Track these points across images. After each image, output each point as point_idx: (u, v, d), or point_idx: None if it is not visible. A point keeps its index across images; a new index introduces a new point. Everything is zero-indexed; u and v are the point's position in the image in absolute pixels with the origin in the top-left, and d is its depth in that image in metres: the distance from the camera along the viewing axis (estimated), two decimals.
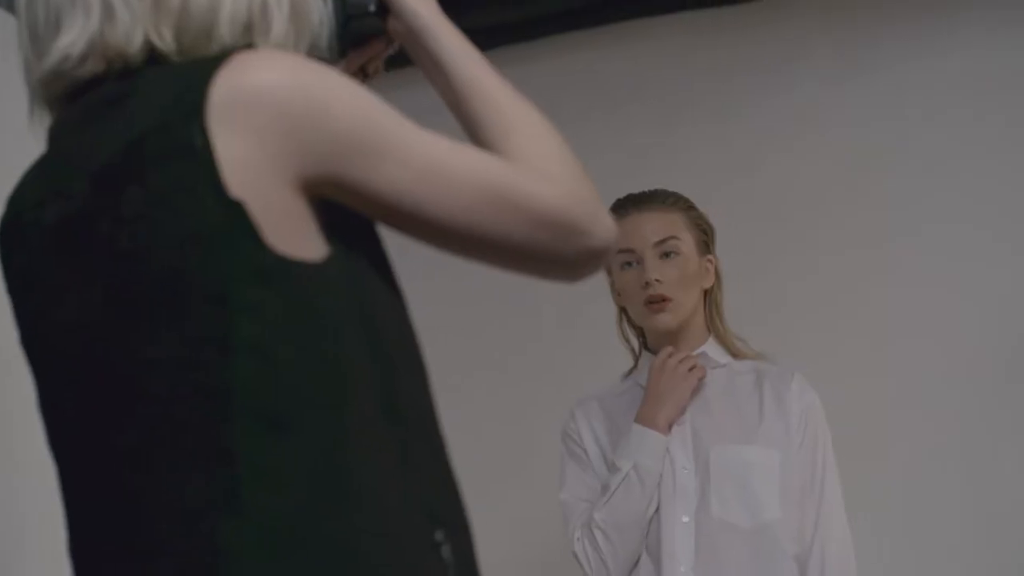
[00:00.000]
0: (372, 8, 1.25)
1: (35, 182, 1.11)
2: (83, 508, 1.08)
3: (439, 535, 1.05)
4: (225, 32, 1.09)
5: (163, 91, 1.03)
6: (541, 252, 1.09)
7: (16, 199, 1.13)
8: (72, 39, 1.08)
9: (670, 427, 2.14)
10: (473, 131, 1.18)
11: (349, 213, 1.06)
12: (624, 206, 2.25)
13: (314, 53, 1.16)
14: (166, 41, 1.08)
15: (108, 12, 1.07)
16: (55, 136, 1.13)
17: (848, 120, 3.20)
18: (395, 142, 1.04)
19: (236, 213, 0.99)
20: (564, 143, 1.16)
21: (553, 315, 3.24)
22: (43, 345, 1.10)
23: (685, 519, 2.10)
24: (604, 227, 1.11)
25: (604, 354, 2.41)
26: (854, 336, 3.09)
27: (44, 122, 1.14)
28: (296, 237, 1.01)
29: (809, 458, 2.16)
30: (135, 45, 1.07)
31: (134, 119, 1.03)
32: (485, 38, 3.38)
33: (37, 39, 1.11)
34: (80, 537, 1.09)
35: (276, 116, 0.99)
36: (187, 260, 0.99)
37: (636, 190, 2.36)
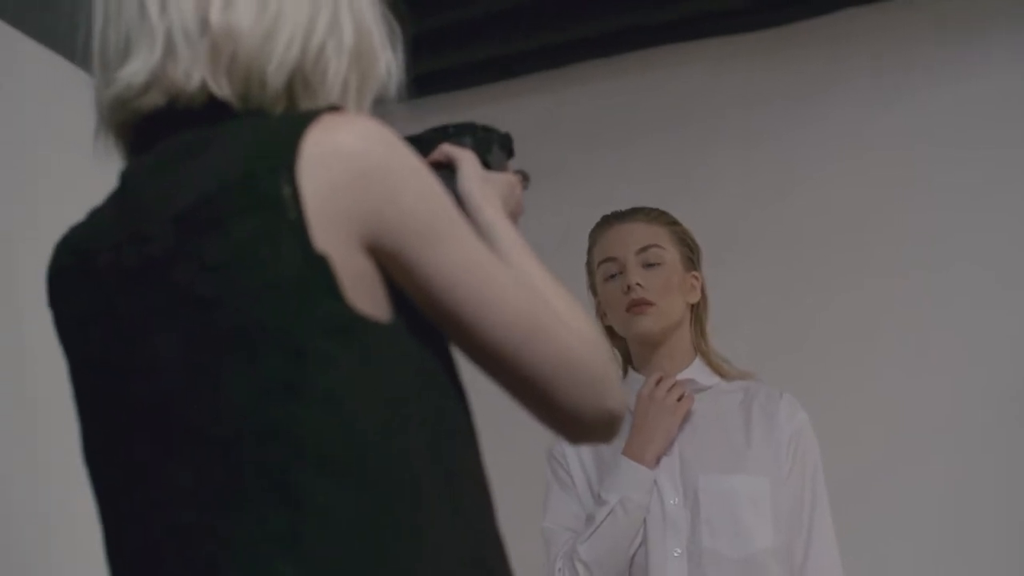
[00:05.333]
0: (507, 156, 1.39)
1: (108, 224, 1.13)
2: (134, 548, 1.09)
3: None
4: (274, 78, 1.11)
5: (247, 142, 1.06)
6: (561, 394, 1.10)
7: (81, 241, 1.15)
8: (136, 69, 1.11)
9: (658, 460, 2.12)
10: None
11: None
12: (608, 220, 2.25)
13: (382, 100, 1.18)
14: (223, 89, 1.10)
15: (170, 48, 1.10)
16: (129, 179, 1.14)
17: (880, 145, 3.22)
18: (456, 237, 1.07)
19: (320, 267, 1.02)
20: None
21: None
22: (107, 388, 1.11)
23: (677, 552, 2.07)
24: (620, 393, 1.14)
25: None
26: (889, 358, 3.10)
27: (108, 146, 1.16)
28: (369, 297, 1.04)
29: (799, 484, 2.11)
30: (193, 84, 1.10)
31: (217, 167, 1.06)
32: (520, 64, 3.47)
33: (106, 66, 1.14)
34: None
35: (356, 178, 1.03)
36: (265, 310, 1.02)
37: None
